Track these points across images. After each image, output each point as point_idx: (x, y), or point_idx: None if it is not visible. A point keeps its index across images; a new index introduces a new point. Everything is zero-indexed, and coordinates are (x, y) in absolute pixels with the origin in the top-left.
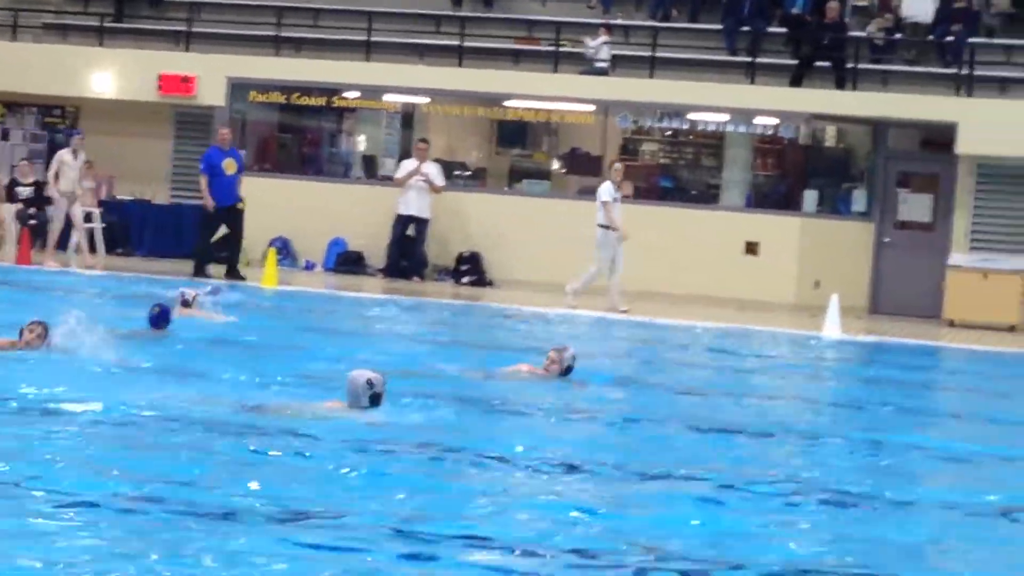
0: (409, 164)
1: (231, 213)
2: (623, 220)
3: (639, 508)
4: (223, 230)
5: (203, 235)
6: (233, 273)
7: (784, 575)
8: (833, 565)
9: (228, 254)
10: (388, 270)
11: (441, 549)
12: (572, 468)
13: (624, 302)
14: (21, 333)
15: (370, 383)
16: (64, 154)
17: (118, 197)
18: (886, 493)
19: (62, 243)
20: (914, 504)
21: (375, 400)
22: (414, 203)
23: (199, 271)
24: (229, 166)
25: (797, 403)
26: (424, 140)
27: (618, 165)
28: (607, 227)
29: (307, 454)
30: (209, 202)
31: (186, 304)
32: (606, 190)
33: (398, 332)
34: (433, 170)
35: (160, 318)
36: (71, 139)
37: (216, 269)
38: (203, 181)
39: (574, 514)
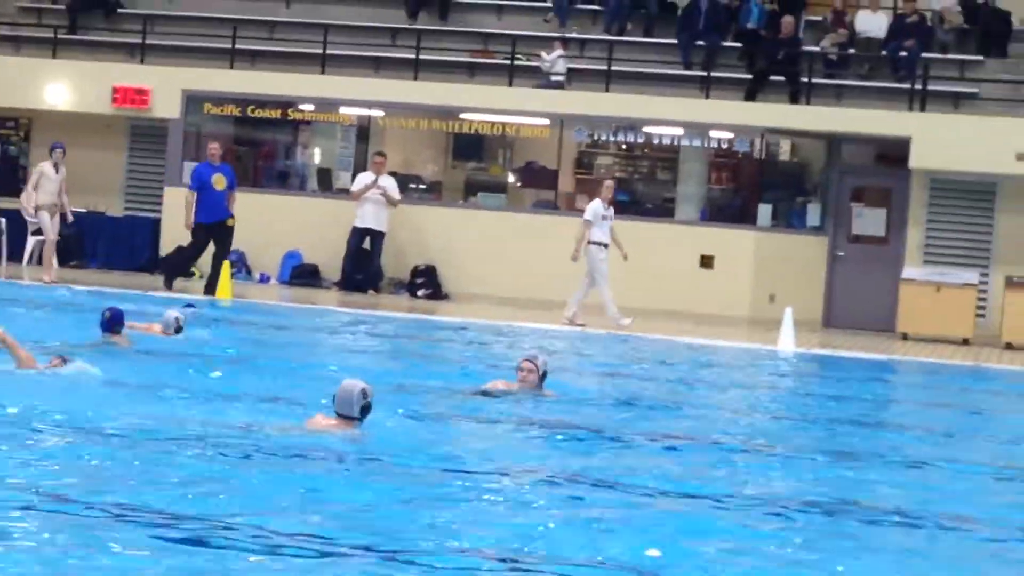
0: (365, 177)
1: (220, 229)
2: (620, 237)
3: (590, 518)
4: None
5: (187, 249)
6: (212, 289)
7: None
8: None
9: (211, 271)
10: (344, 283)
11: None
12: (549, 482)
13: (581, 316)
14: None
15: (364, 393)
16: (45, 166)
17: (72, 209)
18: (835, 505)
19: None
20: (860, 516)
21: (365, 411)
22: (370, 216)
23: (169, 284)
24: (218, 181)
25: (750, 416)
26: (381, 153)
27: (609, 182)
28: (594, 243)
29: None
30: (189, 221)
31: (178, 330)
32: (592, 209)
33: (375, 348)
34: (389, 183)
35: (113, 322)
36: (53, 152)
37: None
38: (190, 197)
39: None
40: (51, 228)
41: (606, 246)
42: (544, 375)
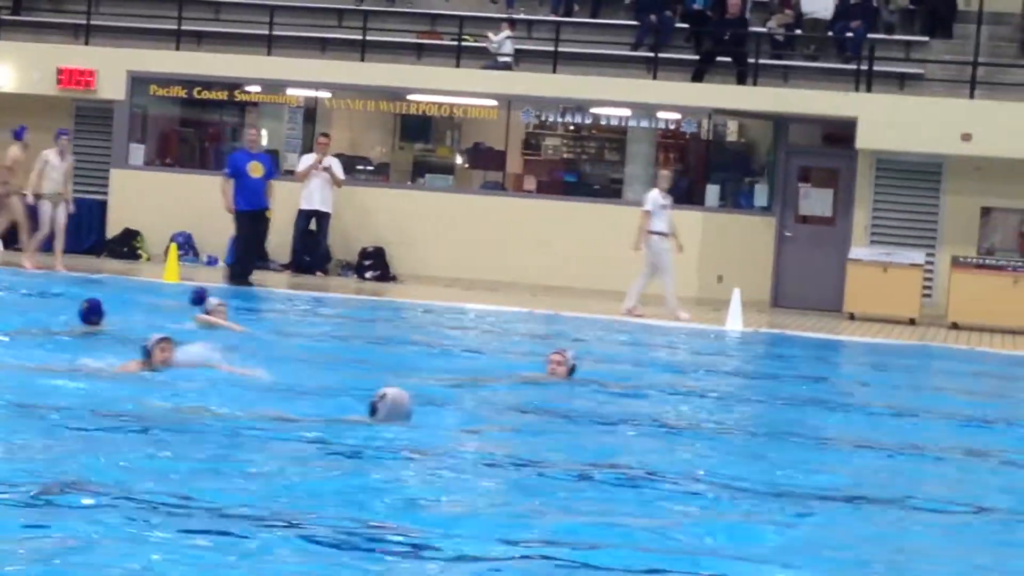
0: (310, 158)
1: (256, 218)
2: (676, 226)
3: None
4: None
5: (239, 242)
6: (243, 279)
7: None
8: (716, 555)
9: (253, 262)
10: (292, 265)
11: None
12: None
13: (640, 307)
14: (149, 352)
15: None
16: (49, 154)
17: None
18: (782, 486)
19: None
20: (807, 496)
21: (372, 410)
22: (316, 197)
23: (241, 279)
24: (254, 169)
25: (697, 397)
26: (325, 134)
27: (665, 172)
28: (656, 233)
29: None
30: (228, 204)
31: (207, 312)
32: (650, 198)
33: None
34: (334, 164)
35: (91, 312)
36: (58, 139)
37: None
38: (225, 184)
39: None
40: (51, 219)
41: (665, 235)
42: (573, 368)
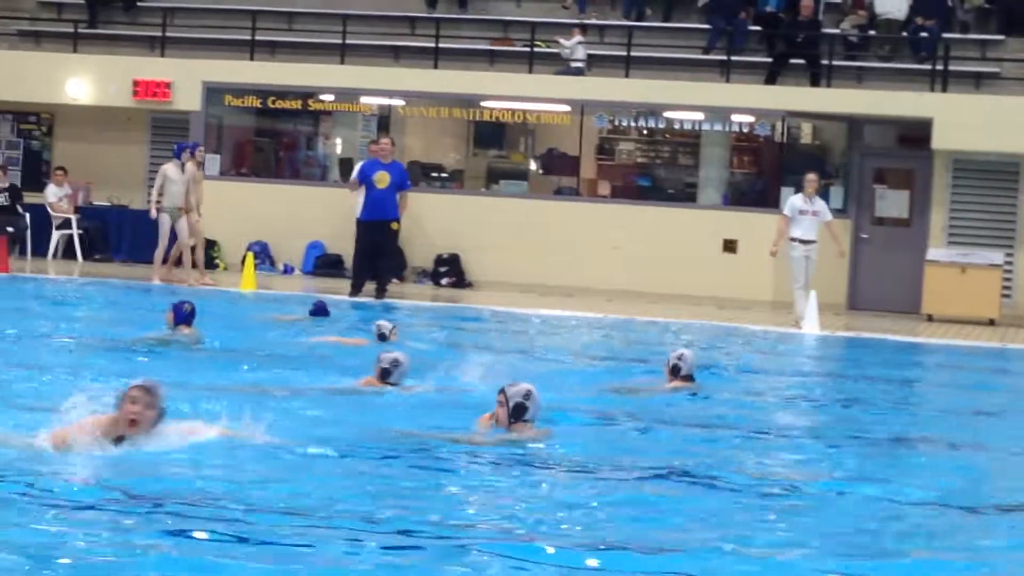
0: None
1: (381, 229)
2: (837, 231)
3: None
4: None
5: (355, 254)
6: (382, 292)
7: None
8: (818, 560)
9: (377, 273)
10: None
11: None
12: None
13: (809, 319)
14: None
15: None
16: (168, 168)
17: (95, 203)
18: (869, 489)
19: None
20: (894, 500)
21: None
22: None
23: (355, 291)
24: (380, 179)
25: (778, 400)
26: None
27: (811, 176)
28: (794, 239)
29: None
30: (354, 210)
31: (382, 338)
32: (789, 203)
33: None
34: None
35: (191, 315)
36: (188, 151)
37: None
38: (351, 189)
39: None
40: (183, 231)
41: (804, 242)
42: (691, 375)
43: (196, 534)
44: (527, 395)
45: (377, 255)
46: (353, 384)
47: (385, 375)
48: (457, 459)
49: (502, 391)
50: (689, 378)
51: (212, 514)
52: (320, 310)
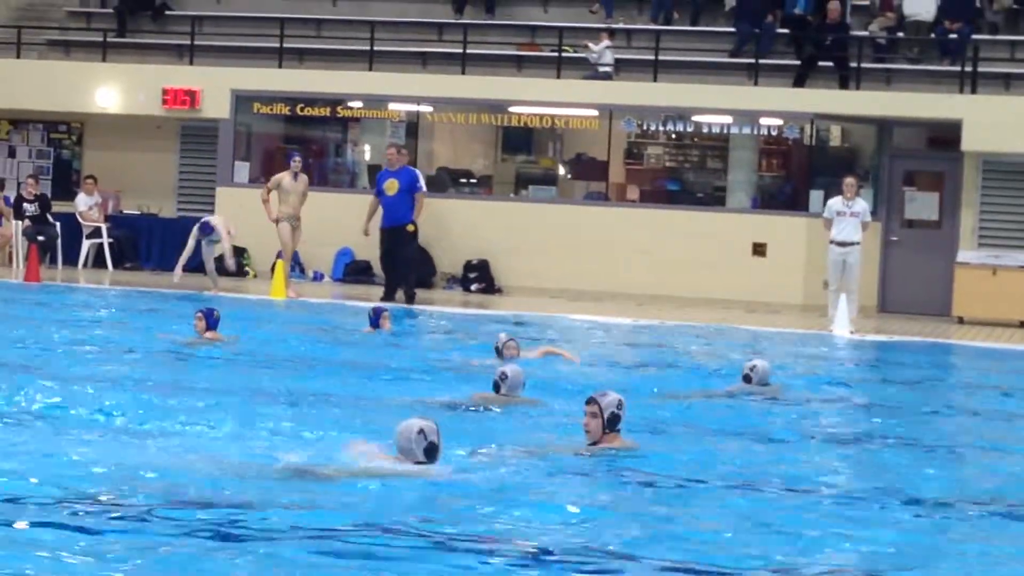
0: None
1: (395, 235)
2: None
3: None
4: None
5: (381, 262)
6: (410, 298)
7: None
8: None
9: (398, 279)
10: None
11: None
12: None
13: (850, 324)
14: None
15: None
16: (283, 177)
17: (124, 212)
18: (905, 492)
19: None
20: (929, 503)
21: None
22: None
23: (388, 297)
24: (390, 186)
25: (810, 403)
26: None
27: (848, 180)
28: (833, 242)
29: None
30: (365, 225)
31: (498, 352)
32: (828, 206)
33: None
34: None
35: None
36: (291, 161)
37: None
38: (371, 202)
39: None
40: (288, 239)
41: (840, 244)
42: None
43: None
44: (619, 405)
45: (396, 260)
46: (471, 397)
47: (496, 388)
48: (554, 471)
49: (592, 401)
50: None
51: None
52: (377, 317)
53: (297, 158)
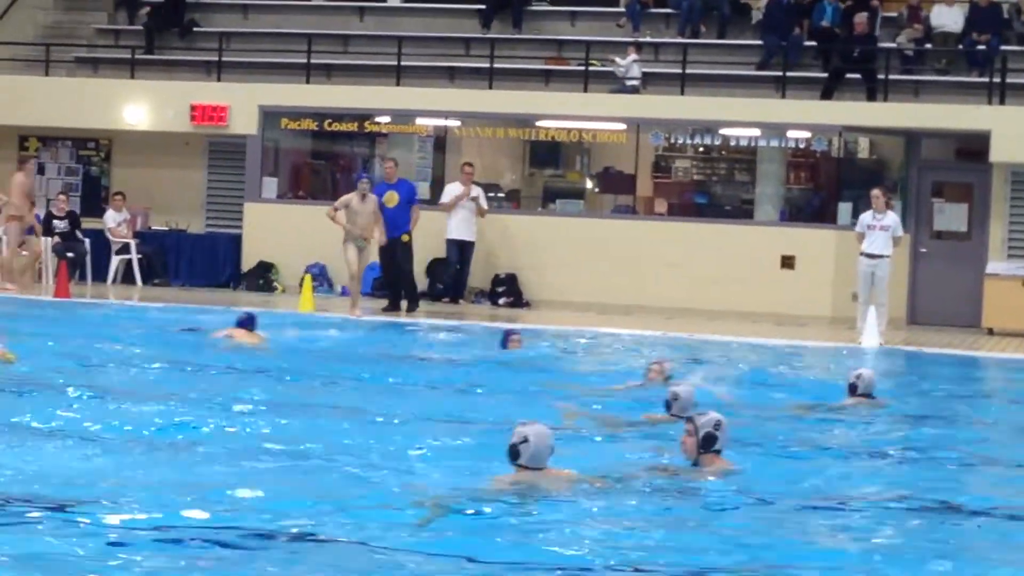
0: (456, 188)
1: (393, 247)
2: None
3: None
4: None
5: (383, 275)
6: (411, 306)
7: None
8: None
9: (402, 288)
10: (427, 293)
11: None
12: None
13: (879, 336)
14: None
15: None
16: (352, 198)
17: (153, 228)
18: (939, 501)
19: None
20: (960, 513)
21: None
22: (463, 227)
23: (392, 309)
24: (389, 199)
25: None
26: (470, 164)
27: (874, 192)
28: (863, 254)
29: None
30: (380, 239)
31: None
32: (860, 219)
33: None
34: (480, 194)
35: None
36: (359, 182)
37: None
38: (376, 218)
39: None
40: (355, 261)
41: (870, 256)
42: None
43: None
44: (717, 425)
45: (395, 271)
46: (642, 416)
47: (667, 407)
48: (650, 491)
49: (690, 420)
50: (868, 396)
51: None
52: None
53: (365, 179)
